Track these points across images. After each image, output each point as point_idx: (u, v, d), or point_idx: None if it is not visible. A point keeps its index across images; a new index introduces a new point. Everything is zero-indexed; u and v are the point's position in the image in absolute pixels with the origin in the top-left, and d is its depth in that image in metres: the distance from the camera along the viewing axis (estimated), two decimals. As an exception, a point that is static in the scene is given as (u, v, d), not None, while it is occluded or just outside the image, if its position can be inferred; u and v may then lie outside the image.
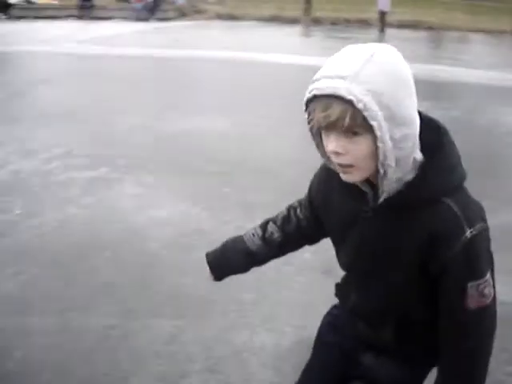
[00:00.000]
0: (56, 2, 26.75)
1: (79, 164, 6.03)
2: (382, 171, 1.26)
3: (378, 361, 1.64)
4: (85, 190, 5.35)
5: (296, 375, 1.78)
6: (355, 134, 1.24)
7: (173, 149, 6.67)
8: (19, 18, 24.02)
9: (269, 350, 3.06)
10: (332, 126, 1.24)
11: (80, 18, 24.68)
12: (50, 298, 3.54)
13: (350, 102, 1.20)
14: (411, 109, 1.27)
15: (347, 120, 1.21)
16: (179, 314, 3.39)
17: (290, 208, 1.78)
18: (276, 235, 1.75)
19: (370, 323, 1.60)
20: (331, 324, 1.76)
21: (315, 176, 1.66)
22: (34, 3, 26.51)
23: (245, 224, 3.69)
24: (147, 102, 9.20)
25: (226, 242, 1.84)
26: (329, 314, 1.80)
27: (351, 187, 1.40)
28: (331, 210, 1.54)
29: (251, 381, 2.83)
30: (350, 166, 1.28)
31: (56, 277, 3.81)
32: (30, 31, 19.03)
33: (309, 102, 1.27)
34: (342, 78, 1.21)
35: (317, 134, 1.35)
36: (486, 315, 1.39)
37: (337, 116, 1.22)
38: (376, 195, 1.36)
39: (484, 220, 1.36)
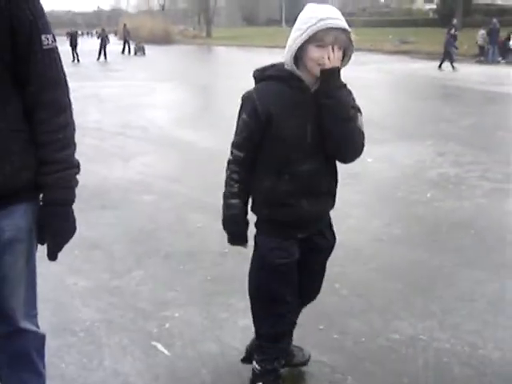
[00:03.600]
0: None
1: None
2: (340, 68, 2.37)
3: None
4: None
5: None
6: (339, 49, 2.32)
7: None
8: None
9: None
10: (335, 43, 2.29)
11: None
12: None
13: (347, 32, 2.31)
14: None
15: (345, 40, 2.34)
16: None
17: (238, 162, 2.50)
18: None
19: (318, 190, 2.50)
20: (279, 248, 2.52)
21: (262, 94, 2.43)
22: None
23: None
24: None
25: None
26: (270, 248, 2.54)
27: (295, 81, 2.39)
28: (286, 105, 2.38)
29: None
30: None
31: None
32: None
33: (320, 31, 2.25)
34: (342, 21, 2.32)
35: (299, 48, 2.32)
36: None
37: (342, 37, 2.31)
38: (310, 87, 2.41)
39: None
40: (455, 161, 7.80)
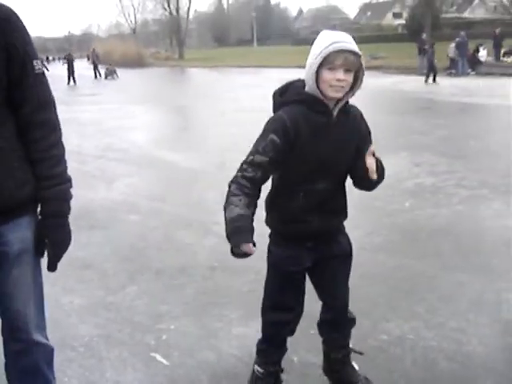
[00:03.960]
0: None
1: None
2: (356, 89, 2.52)
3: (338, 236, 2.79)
4: None
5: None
6: (349, 71, 2.46)
7: None
8: (486, 74, 26.65)
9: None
10: (345, 65, 2.43)
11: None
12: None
13: (358, 55, 2.45)
14: None
15: (355, 63, 2.46)
16: None
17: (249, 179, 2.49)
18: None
19: (331, 208, 2.64)
20: (290, 257, 2.66)
21: (293, 117, 2.48)
22: (501, 61, 29.15)
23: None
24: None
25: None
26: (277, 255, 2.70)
27: (320, 106, 2.52)
28: (311, 129, 2.48)
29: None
30: (342, 87, 2.47)
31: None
32: (493, 86, 21.46)
33: (333, 52, 2.37)
34: (353, 44, 2.46)
35: (315, 72, 2.47)
36: None
37: (352, 60, 2.45)
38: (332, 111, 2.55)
39: None
40: (431, 171, 8.04)
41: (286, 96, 2.60)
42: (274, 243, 2.74)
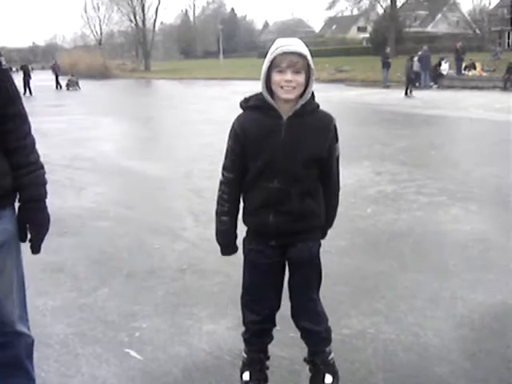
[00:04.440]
0: (485, 74, 29.30)
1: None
2: (308, 91, 2.71)
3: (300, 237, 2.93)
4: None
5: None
6: (298, 72, 2.65)
7: None
8: (448, 87, 27.48)
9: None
10: (292, 66, 2.63)
11: (505, 89, 25.34)
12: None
13: (303, 56, 2.63)
14: None
15: (301, 63, 2.65)
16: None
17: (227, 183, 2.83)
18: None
19: (285, 208, 2.74)
20: (256, 249, 2.86)
21: (241, 122, 2.76)
22: (463, 74, 29.57)
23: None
24: None
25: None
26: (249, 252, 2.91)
27: (271, 110, 2.73)
28: (261, 131, 2.70)
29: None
30: (294, 87, 2.66)
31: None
32: (454, 99, 22.09)
33: (278, 55, 2.59)
34: (298, 46, 2.65)
35: (266, 75, 2.69)
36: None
37: (298, 61, 2.63)
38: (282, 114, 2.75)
39: None
40: (392, 179, 8.33)
41: (247, 104, 2.82)
42: (246, 237, 2.94)
